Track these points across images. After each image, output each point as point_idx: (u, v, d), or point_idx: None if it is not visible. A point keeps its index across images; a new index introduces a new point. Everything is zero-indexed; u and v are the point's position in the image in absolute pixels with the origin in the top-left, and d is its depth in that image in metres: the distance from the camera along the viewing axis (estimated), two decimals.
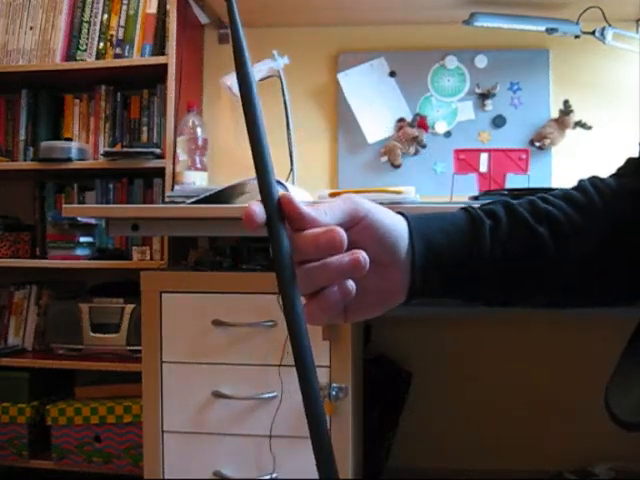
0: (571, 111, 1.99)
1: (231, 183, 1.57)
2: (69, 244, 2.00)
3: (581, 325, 1.88)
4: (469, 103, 2.09)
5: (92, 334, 1.91)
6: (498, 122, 2.07)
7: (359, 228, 0.46)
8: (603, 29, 1.86)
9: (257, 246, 1.65)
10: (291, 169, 1.98)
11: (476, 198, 1.66)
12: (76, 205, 2.07)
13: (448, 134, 2.09)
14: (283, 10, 2.05)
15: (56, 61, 2.08)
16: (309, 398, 0.39)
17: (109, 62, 2.05)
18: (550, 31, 1.86)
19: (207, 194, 1.52)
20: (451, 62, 2.09)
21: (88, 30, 2.10)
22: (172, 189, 1.85)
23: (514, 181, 1.83)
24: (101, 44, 2.08)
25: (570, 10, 1.88)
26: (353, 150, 2.13)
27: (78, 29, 2.10)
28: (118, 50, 2.07)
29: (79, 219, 2.00)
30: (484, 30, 1.93)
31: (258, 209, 0.40)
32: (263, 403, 1.43)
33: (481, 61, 2.08)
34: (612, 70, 2.04)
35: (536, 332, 1.91)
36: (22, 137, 2.18)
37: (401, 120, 2.10)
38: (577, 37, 1.89)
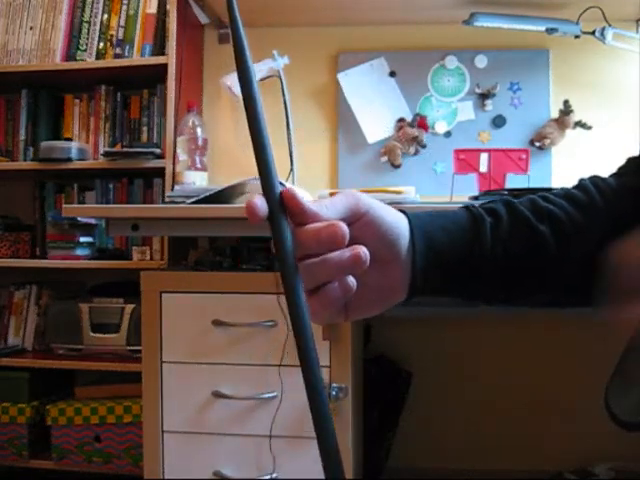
0: (571, 111, 1.99)
1: (231, 183, 1.57)
2: (69, 244, 2.00)
3: (581, 325, 1.88)
4: (469, 103, 2.09)
5: (92, 334, 1.91)
6: (498, 122, 2.07)
7: (360, 224, 0.46)
8: (603, 29, 1.86)
9: (257, 246, 1.65)
10: (291, 169, 1.98)
11: (476, 198, 1.66)
12: (76, 205, 2.07)
13: (448, 134, 2.09)
14: (283, 10, 2.05)
15: (56, 61, 2.08)
16: (312, 387, 0.39)
17: (109, 62, 2.05)
18: (550, 31, 1.86)
19: (207, 194, 1.52)
20: (451, 62, 2.09)
21: (88, 30, 2.10)
22: (172, 189, 1.85)
23: (514, 181, 1.83)
24: (101, 44, 2.08)
25: (570, 10, 1.88)
26: (353, 150, 2.13)
27: (78, 29, 2.10)
28: (118, 50, 2.07)
29: (79, 219, 2.00)
30: (484, 30, 1.93)
31: (260, 203, 0.40)
32: (263, 403, 1.43)
33: (481, 61, 2.08)
34: (612, 70, 2.04)
35: (536, 332, 1.91)
36: (22, 137, 2.18)
37: (401, 120, 2.10)
38: (577, 37, 1.89)
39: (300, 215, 0.41)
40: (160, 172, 1.96)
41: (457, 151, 1.89)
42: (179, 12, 1.95)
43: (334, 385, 1.39)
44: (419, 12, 2.03)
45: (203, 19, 2.08)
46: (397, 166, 2.09)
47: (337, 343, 1.40)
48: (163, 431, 1.47)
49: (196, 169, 1.91)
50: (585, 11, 1.86)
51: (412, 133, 2.06)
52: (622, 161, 0.62)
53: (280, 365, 1.42)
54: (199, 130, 1.93)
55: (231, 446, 1.45)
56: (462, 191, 1.79)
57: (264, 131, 0.40)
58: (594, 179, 0.58)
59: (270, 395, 1.42)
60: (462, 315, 1.86)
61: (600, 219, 0.54)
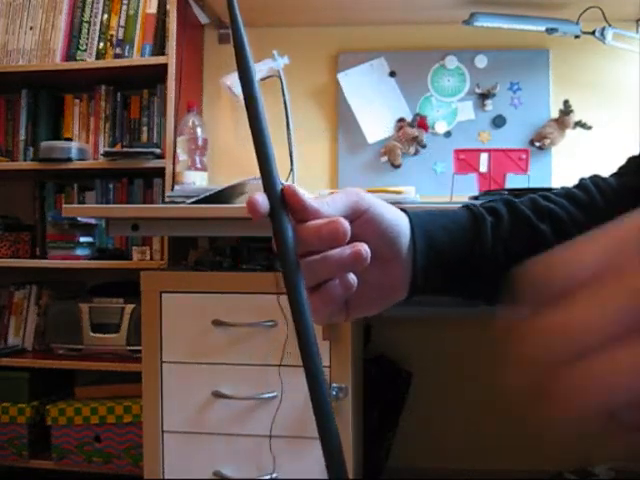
0: (571, 111, 1.99)
1: (231, 183, 1.57)
2: (69, 244, 2.00)
3: None
4: (469, 103, 2.09)
5: (92, 334, 1.91)
6: (498, 122, 2.07)
7: (361, 222, 0.46)
8: (603, 29, 1.86)
9: (257, 246, 1.65)
10: (291, 169, 1.98)
11: (476, 198, 1.66)
12: (76, 205, 2.07)
13: (448, 134, 2.09)
14: (283, 10, 2.05)
15: (56, 61, 2.08)
16: (314, 381, 0.39)
17: (109, 62, 2.05)
18: (550, 31, 1.86)
19: (207, 194, 1.52)
20: (451, 62, 2.09)
21: (88, 30, 2.10)
22: (172, 189, 1.85)
23: (514, 181, 1.83)
24: (101, 44, 2.08)
25: (570, 10, 1.88)
26: (353, 150, 2.13)
27: (78, 29, 2.10)
28: (118, 50, 2.07)
29: (79, 219, 2.00)
30: (484, 30, 1.93)
31: (262, 199, 0.40)
32: (263, 403, 1.43)
33: (481, 61, 2.08)
34: (612, 70, 2.04)
35: None
36: (22, 137, 2.18)
37: (401, 120, 2.10)
38: (577, 37, 1.89)
39: (301, 212, 0.41)
40: (160, 172, 1.96)
41: (457, 151, 1.89)
42: (179, 12, 1.95)
43: (334, 385, 1.39)
44: (419, 12, 2.03)
45: (203, 19, 2.08)
46: (397, 166, 2.09)
47: (337, 343, 1.40)
48: (163, 431, 1.47)
49: (196, 169, 1.91)
50: (585, 11, 1.86)
51: (412, 133, 2.06)
52: (622, 161, 0.62)
53: (280, 365, 1.42)
54: (199, 130, 1.93)
55: (231, 446, 1.45)
56: (462, 191, 1.79)
57: (265, 129, 0.40)
58: (595, 179, 0.58)
59: (270, 395, 1.42)
60: (462, 315, 1.86)
61: (601, 218, 0.54)
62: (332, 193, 0.46)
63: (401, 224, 0.49)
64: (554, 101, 2.04)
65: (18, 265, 2.05)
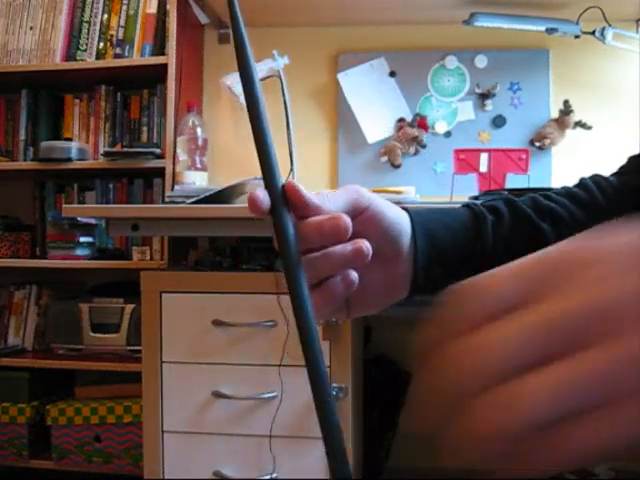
0: (571, 111, 1.99)
1: (231, 183, 1.57)
2: (69, 244, 2.00)
3: None
4: (469, 103, 2.09)
5: (92, 334, 1.90)
6: (498, 122, 2.07)
7: (362, 219, 0.46)
8: (603, 29, 1.86)
9: (257, 246, 1.65)
10: (291, 169, 1.98)
11: (476, 198, 1.66)
12: (76, 205, 2.07)
13: (448, 134, 2.09)
14: (283, 10, 2.05)
15: (56, 61, 2.08)
16: (316, 379, 0.39)
17: (109, 62, 2.05)
18: (550, 31, 1.86)
19: (207, 194, 1.52)
20: (451, 62, 2.09)
21: (88, 30, 2.10)
22: (172, 189, 1.85)
23: (514, 181, 1.83)
24: (101, 44, 2.08)
25: (570, 10, 1.88)
26: (353, 150, 2.13)
27: (78, 29, 2.10)
28: (118, 50, 2.07)
29: (79, 219, 2.00)
30: (484, 30, 1.93)
31: (263, 195, 0.40)
32: (263, 403, 1.43)
33: (481, 61, 2.08)
34: (612, 70, 2.04)
35: None
36: (22, 137, 2.18)
37: (401, 120, 2.10)
38: (577, 37, 1.89)
39: (302, 208, 0.41)
40: (160, 172, 1.96)
41: (457, 151, 1.89)
42: (179, 12, 1.95)
43: (334, 385, 1.39)
44: (419, 12, 2.03)
45: (203, 19, 2.08)
46: (397, 166, 2.09)
47: (337, 343, 1.40)
48: (163, 431, 1.47)
49: (196, 169, 1.91)
50: (585, 11, 1.86)
51: (412, 133, 2.06)
52: (622, 161, 0.62)
53: (280, 365, 1.42)
54: (199, 130, 1.93)
55: (231, 446, 1.45)
56: (462, 191, 1.79)
57: (266, 127, 0.40)
58: (595, 178, 0.58)
59: (270, 395, 1.42)
60: None
61: (602, 217, 0.54)
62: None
63: (402, 222, 0.49)
64: (554, 101, 2.04)
65: (18, 265, 2.05)
